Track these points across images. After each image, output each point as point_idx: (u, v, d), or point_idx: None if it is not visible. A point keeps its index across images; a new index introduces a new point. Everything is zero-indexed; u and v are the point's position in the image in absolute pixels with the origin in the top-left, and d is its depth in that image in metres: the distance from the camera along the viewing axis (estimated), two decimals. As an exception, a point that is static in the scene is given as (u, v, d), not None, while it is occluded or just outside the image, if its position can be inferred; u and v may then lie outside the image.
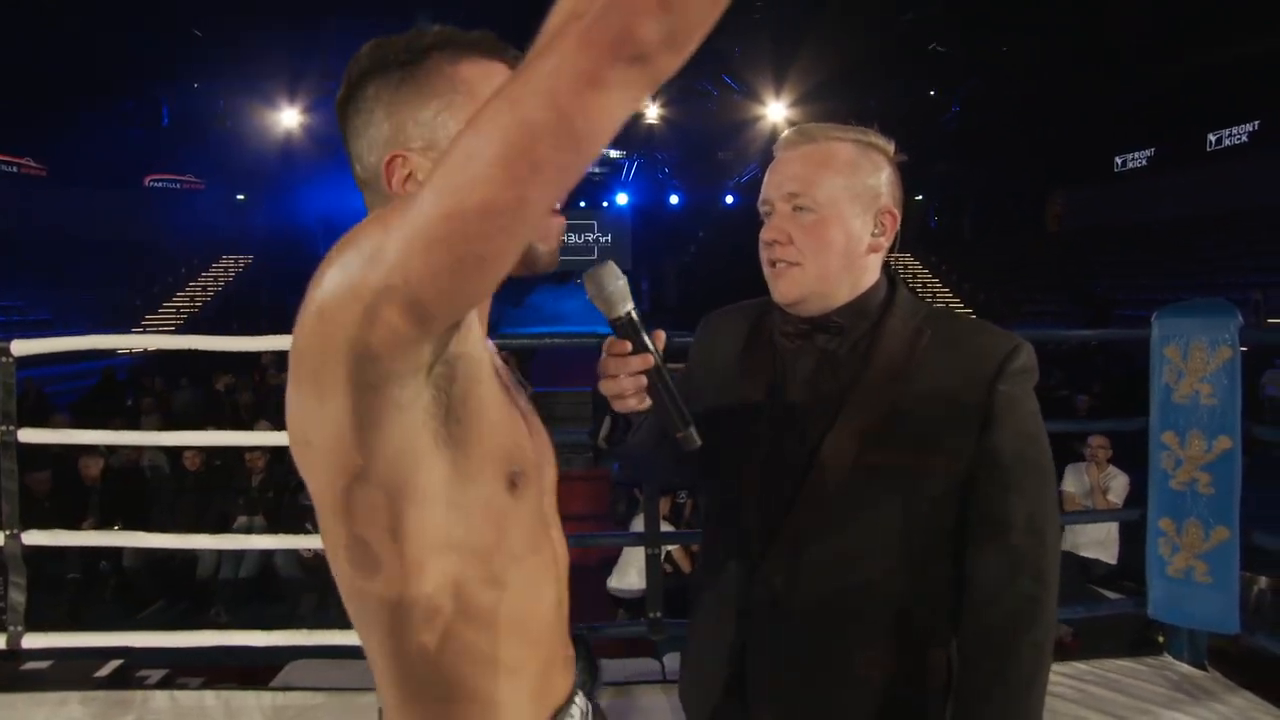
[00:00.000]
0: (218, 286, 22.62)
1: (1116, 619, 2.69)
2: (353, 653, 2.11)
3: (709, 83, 19.54)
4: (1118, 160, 21.86)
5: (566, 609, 0.77)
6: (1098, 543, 4.71)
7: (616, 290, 0.78)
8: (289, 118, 19.98)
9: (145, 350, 12.69)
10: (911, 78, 19.35)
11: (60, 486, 5.28)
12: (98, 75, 18.11)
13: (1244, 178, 17.50)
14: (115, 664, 2.45)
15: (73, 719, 2.08)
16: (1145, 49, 17.21)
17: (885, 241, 0.97)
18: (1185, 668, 2.23)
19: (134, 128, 20.33)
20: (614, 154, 23.51)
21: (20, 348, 2.04)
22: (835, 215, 0.93)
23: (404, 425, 0.58)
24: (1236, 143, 18.86)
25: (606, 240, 25.21)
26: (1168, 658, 2.29)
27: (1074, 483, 4.99)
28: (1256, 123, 18.20)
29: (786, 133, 0.98)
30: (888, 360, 0.93)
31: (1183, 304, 2.13)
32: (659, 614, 2.18)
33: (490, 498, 0.65)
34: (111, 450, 5.55)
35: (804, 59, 17.56)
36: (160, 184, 23.58)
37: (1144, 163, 21.36)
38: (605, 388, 0.82)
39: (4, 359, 2.02)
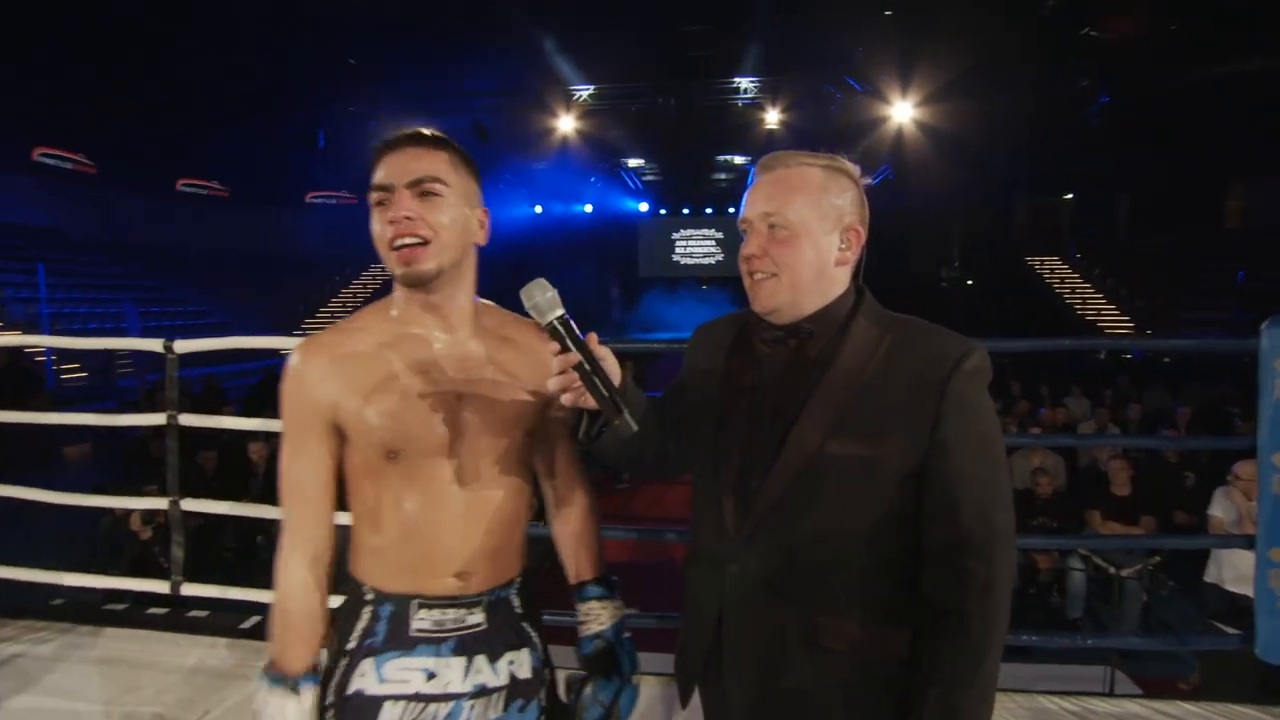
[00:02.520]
0: (366, 293, 24.63)
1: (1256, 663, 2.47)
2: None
3: (830, 85, 19.04)
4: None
5: (466, 535, 1.08)
6: (1245, 577, 4.23)
7: (543, 301, 0.97)
8: (429, 136, 21.43)
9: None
10: (1053, 69, 17.94)
11: (225, 468, 6.03)
12: (263, 103, 20.30)
13: None
14: (256, 619, 2.83)
15: (221, 659, 2.44)
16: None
17: (851, 255, 1.08)
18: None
19: (295, 150, 22.57)
20: (739, 160, 23.40)
21: (182, 346, 2.42)
22: (805, 232, 1.05)
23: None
24: None
25: (729, 247, 25.15)
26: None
27: (1222, 508, 4.52)
28: None
29: (763, 159, 1.11)
30: (850, 361, 1.04)
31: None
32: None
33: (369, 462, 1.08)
34: (271, 438, 6.26)
35: (933, 55, 16.74)
36: (319, 200, 26.01)
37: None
38: (549, 385, 1.01)
39: (170, 355, 2.41)
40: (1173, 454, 5.92)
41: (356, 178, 24.28)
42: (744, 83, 19.62)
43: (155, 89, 18.60)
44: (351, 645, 1.08)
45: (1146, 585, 4.58)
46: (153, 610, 2.97)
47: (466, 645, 1.09)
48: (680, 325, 22.25)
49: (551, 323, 0.96)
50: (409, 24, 17.99)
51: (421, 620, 1.07)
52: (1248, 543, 2.05)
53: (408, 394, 1.06)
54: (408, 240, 1.04)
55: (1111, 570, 4.41)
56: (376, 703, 1.05)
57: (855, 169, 1.11)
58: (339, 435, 1.09)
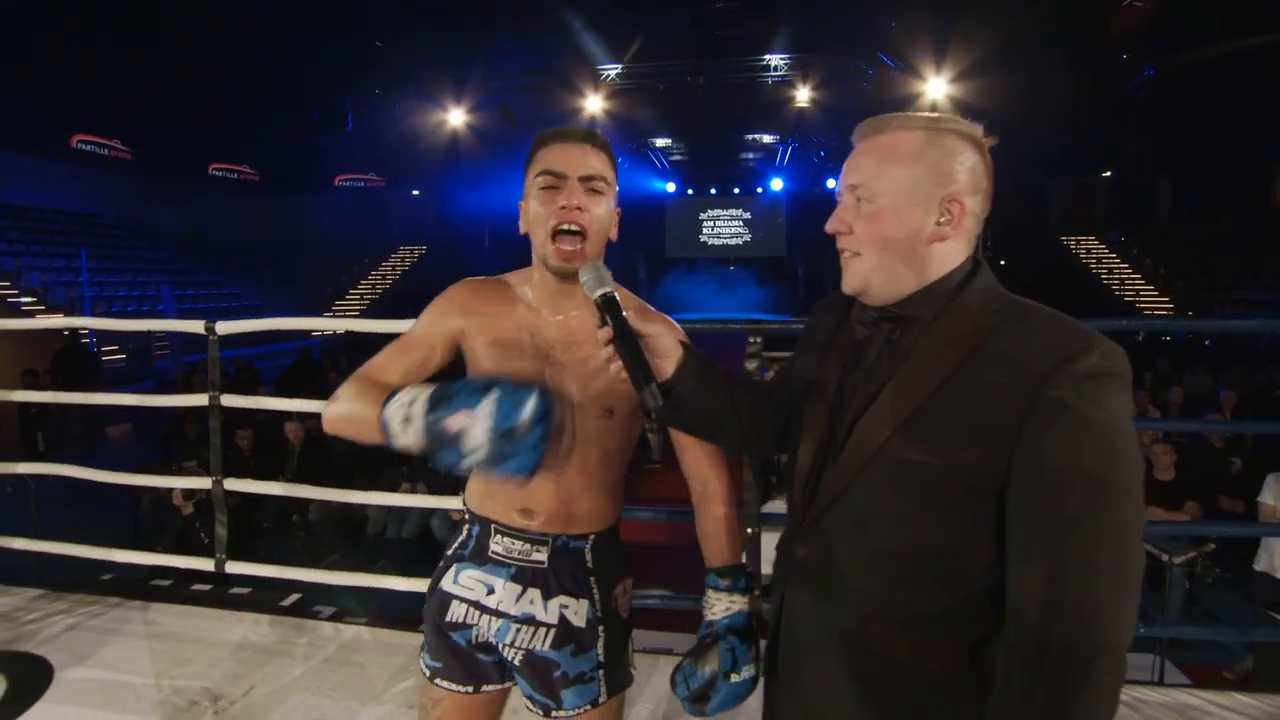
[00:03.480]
0: (395, 275, 24.88)
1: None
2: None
3: (863, 61, 18.62)
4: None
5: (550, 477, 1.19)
6: (1302, 566, 4.12)
7: (591, 280, 1.04)
8: (456, 118, 21.46)
9: (334, 332, 14.41)
10: (1094, 43, 17.36)
11: (262, 448, 6.14)
12: (292, 88, 20.49)
13: None
14: (296, 597, 2.89)
15: (263, 635, 2.49)
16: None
17: (952, 231, 0.92)
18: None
19: (324, 133, 22.74)
20: (767, 139, 23.07)
21: (224, 328, 2.45)
22: (891, 206, 0.92)
23: None
24: None
25: (757, 227, 24.90)
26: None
27: (1274, 495, 4.39)
28: None
29: (862, 124, 0.98)
30: (937, 352, 0.90)
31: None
32: (758, 592, 2.23)
33: None
34: (303, 418, 6.37)
35: (969, 29, 16.27)
36: (347, 183, 26.25)
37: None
38: (599, 356, 1.04)
39: (212, 337, 2.44)
40: (1218, 438, 5.76)
41: (383, 160, 24.48)
42: (774, 60, 19.27)
43: (187, 76, 18.87)
44: (450, 552, 1.31)
45: (1193, 573, 4.47)
46: (197, 587, 3.04)
47: (524, 576, 1.23)
48: (705, 306, 22.14)
49: (597, 299, 1.03)
50: (436, 5, 17.96)
51: (496, 544, 1.24)
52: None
53: (515, 350, 1.22)
54: (572, 227, 1.16)
55: (1164, 558, 4.29)
56: (448, 599, 1.27)
57: (975, 128, 0.94)
58: (449, 359, 1.27)
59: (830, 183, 23.74)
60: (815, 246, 23.25)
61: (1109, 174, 22.97)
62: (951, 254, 0.94)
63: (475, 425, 0.94)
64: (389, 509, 5.57)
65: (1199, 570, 4.58)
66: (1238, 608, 4.49)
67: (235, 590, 2.99)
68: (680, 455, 1.30)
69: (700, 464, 1.29)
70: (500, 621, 1.23)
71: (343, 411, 1.17)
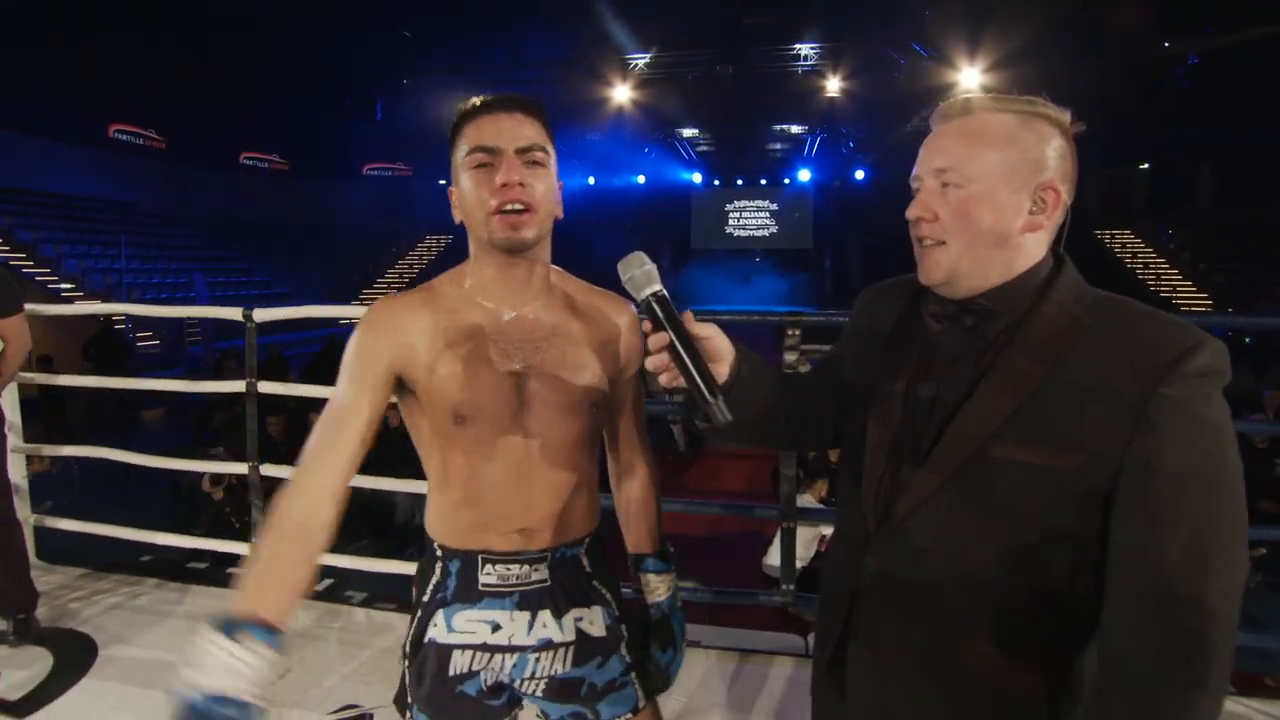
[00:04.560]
0: (422, 264, 25.08)
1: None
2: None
3: (895, 50, 18.34)
4: None
5: (527, 496, 1.10)
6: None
7: (640, 276, 0.91)
8: (482, 107, 21.55)
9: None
10: (1132, 30, 16.90)
11: (293, 434, 6.24)
12: (322, 78, 20.68)
13: None
14: (329, 582, 2.93)
15: (298, 619, 2.53)
16: None
17: (1046, 220, 0.88)
18: None
19: (353, 123, 22.96)
20: (795, 129, 22.83)
21: (261, 315, 2.48)
22: (985, 192, 0.87)
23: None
24: None
25: (783, 218, 24.69)
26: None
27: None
28: None
29: (942, 104, 0.93)
30: (1034, 349, 0.86)
31: None
32: (792, 587, 2.22)
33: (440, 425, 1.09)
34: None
35: (1004, 17, 15.93)
36: (376, 172, 26.47)
37: None
38: (647, 364, 0.93)
39: (249, 324, 2.47)
40: (1261, 439, 5.61)
41: (411, 149, 24.65)
42: (804, 49, 19.06)
43: (220, 66, 19.16)
44: (426, 598, 1.14)
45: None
46: (231, 570, 3.09)
47: (530, 600, 1.12)
48: (731, 298, 22.03)
49: (647, 299, 0.90)
50: (464, -5, 18.01)
51: (488, 575, 1.11)
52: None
53: (476, 361, 1.06)
54: (516, 206, 1.01)
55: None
56: (447, 651, 1.12)
57: (1063, 113, 0.89)
58: (397, 389, 1.09)
59: (859, 174, 23.50)
60: (842, 238, 23.05)
61: (1146, 166, 22.43)
62: (1039, 245, 0.90)
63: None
64: (415, 496, 5.63)
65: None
66: (1280, 612, 4.37)
67: (270, 574, 3.04)
68: (611, 436, 1.25)
69: (629, 445, 1.26)
70: (515, 656, 1.13)
71: (255, 555, 0.95)
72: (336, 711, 2.04)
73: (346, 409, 1.03)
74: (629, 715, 1.17)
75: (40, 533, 2.83)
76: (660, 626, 1.23)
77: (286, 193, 24.17)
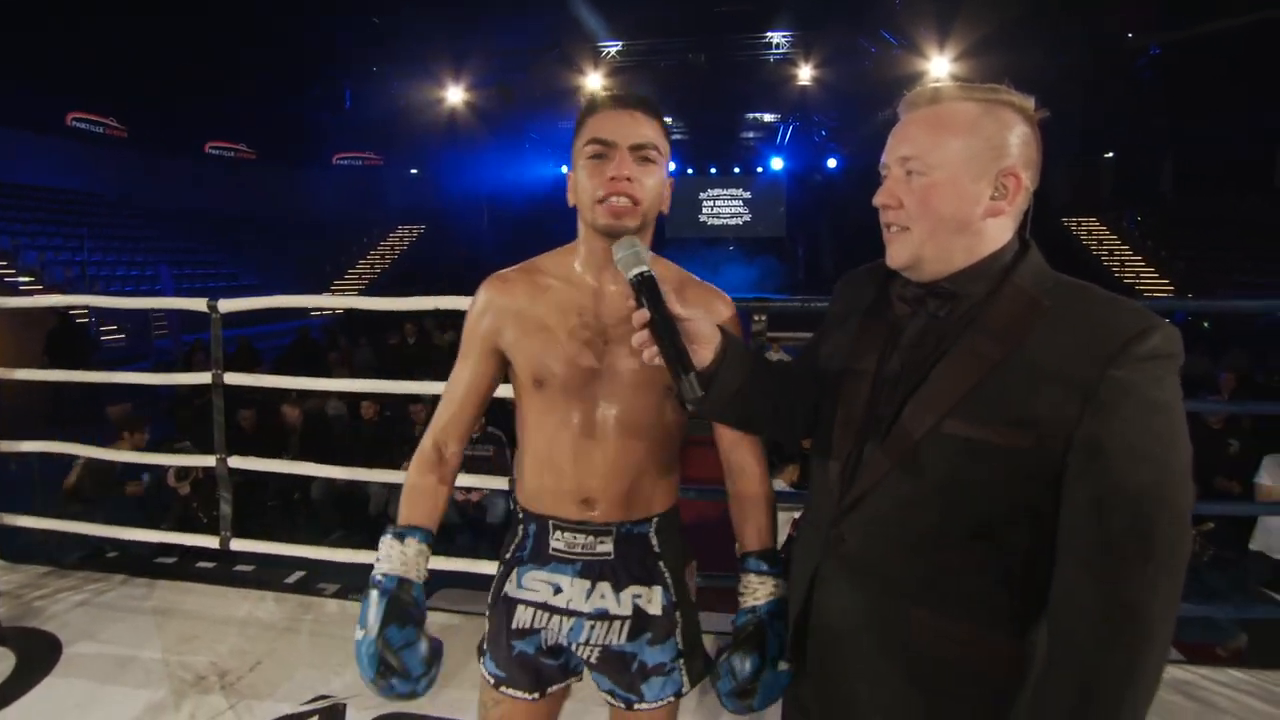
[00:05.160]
0: (394, 254, 24.76)
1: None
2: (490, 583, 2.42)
3: (865, 39, 18.44)
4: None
5: (592, 466, 1.16)
6: (1294, 546, 4.16)
7: (626, 258, 0.98)
8: (454, 96, 21.26)
9: (333, 311, 14.39)
10: (1100, 20, 17.17)
11: (264, 427, 6.16)
12: (289, 65, 20.26)
13: None
14: (300, 574, 2.92)
15: (269, 612, 2.52)
16: None
17: (1008, 205, 0.90)
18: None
19: (322, 111, 22.55)
20: (768, 118, 22.85)
21: (226, 305, 2.45)
22: (947, 179, 0.89)
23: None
24: None
25: (757, 206, 24.74)
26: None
27: (1271, 476, 4.42)
28: None
29: (910, 93, 0.95)
30: (991, 330, 0.88)
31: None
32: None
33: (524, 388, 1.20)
34: (303, 398, 6.37)
35: (973, 7, 16.09)
36: (346, 162, 26.03)
37: None
38: (632, 341, 0.98)
39: (214, 315, 2.44)
40: (1216, 420, 5.78)
41: (382, 138, 24.27)
42: (776, 37, 19.08)
43: (183, 52, 18.66)
44: (508, 555, 1.25)
45: (1191, 551, 4.51)
46: (201, 564, 3.06)
47: (592, 570, 1.19)
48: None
49: (633, 279, 0.97)
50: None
51: (557, 541, 1.19)
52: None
53: (560, 329, 1.15)
54: (623, 200, 1.09)
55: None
56: (513, 604, 1.22)
57: (1026, 100, 0.91)
58: (502, 362, 1.22)
59: (832, 162, 23.62)
60: (815, 226, 23.17)
61: (1111, 155, 22.83)
62: (1003, 231, 0.93)
63: (371, 610, 1.09)
64: (390, 487, 5.60)
65: (1196, 549, 4.61)
66: (1233, 586, 4.53)
67: (240, 568, 3.02)
68: (717, 435, 1.27)
69: (737, 445, 1.26)
70: (573, 620, 1.19)
71: (406, 491, 1.22)
72: (309, 702, 2.03)
73: (457, 381, 1.24)
74: (670, 699, 1.21)
75: (1, 532, 2.78)
76: (752, 632, 1.15)
77: (254, 183, 23.66)
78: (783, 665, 1.13)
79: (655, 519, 1.21)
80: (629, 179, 1.08)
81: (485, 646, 1.25)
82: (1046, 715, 0.83)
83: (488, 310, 1.20)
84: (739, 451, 1.27)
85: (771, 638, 1.14)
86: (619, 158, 1.09)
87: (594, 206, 1.10)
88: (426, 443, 1.23)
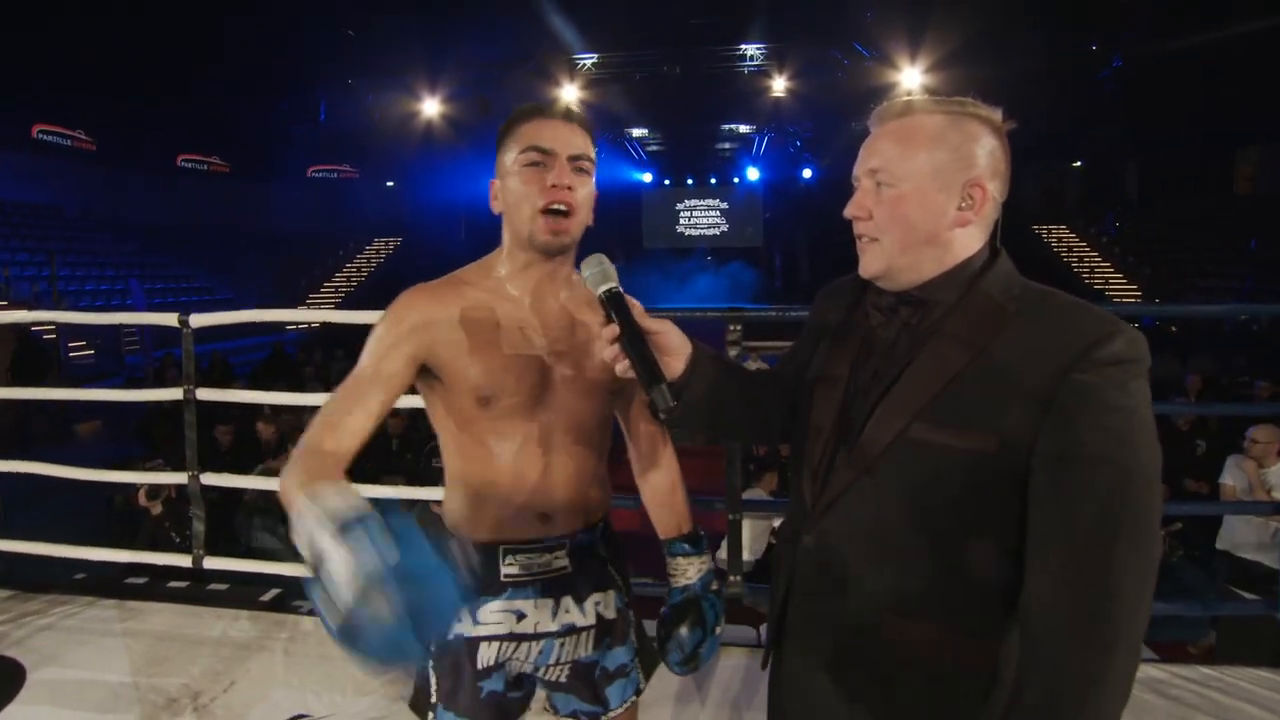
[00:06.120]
0: (370, 267, 24.54)
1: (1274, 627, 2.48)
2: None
3: (838, 51, 18.71)
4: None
5: (550, 479, 1.14)
6: (1257, 545, 4.25)
7: (594, 275, 1.00)
8: (430, 108, 21.21)
9: (308, 325, 14.24)
10: (1065, 33, 17.59)
11: (240, 443, 6.07)
12: (262, 77, 20.07)
13: None
14: (275, 591, 2.86)
15: (243, 631, 2.47)
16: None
17: (975, 215, 0.92)
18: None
19: (296, 124, 22.34)
20: (744, 129, 23.05)
21: (198, 320, 2.41)
22: (914, 191, 0.91)
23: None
24: None
25: (734, 217, 24.91)
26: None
27: (1233, 476, 4.53)
28: None
29: (881, 106, 0.97)
30: (957, 337, 0.90)
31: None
32: (739, 578, 2.26)
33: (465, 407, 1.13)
34: (277, 413, 6.29)
35: (943, 20, 16.41)
36: (320, 175, 25.80)
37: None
38: (604, 355, 1.00)
39: (185, 329, 2.41)
40: (1184, 421, 5.90)
41: (357, 150, 24.10)
42: (750, 49, 19.30)
43: (153, 64, 18.40)
44: None
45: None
46: (173, 584, 3.00)
47: (553, 588, 1.16)
48: (682, 296, 22.13)
49: (601, 295, 0.99)
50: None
51: (510, 566, 1.14)
52: (1274, 509, 2.03)
53: (502, 346, 1.12)
54: (560, 207, 1.09)
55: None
56: (474, 643, 1.15)
57: (994, 112, 0.92)
58: (421, 378, 1.13)
59: (807, 172, 23.89)
60: (791, 235, 23.37)
61: (1079, 164, 23.34)
62: (972, 239, 0.94)
63: (335, 554, 0.74)
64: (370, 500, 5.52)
65: (1165, 550, 4.70)
66: (1202, 585, 4.61)
67: (213, 586, 2.96)
68: (633, 427, 1.29)
69: (652, 437, 1.30)
70: (542, 644, 1.17)
71: (283, 490, 0.93)
72: (284, 722, 2.00)
73: (365, 379, 1.07)
74: (633, 699, 1.24)
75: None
76: (689, 606, 1.22)
77: (227, 196, 23.35)
78: (720, 628, 1.23)
79: (600, 524, 1.23)
80: (569, 187, 1.09)
81: (436, 700, 1.16)
82: (1019, 716, 0.84)
83: (422, 321, 1.10)
84: (651, 442, 1.30)
85: (708, 609, 1.22)
86: (558, 166, 1.09)
87: (533, 217, 1.09)
88: (314, 436, 1.01)
